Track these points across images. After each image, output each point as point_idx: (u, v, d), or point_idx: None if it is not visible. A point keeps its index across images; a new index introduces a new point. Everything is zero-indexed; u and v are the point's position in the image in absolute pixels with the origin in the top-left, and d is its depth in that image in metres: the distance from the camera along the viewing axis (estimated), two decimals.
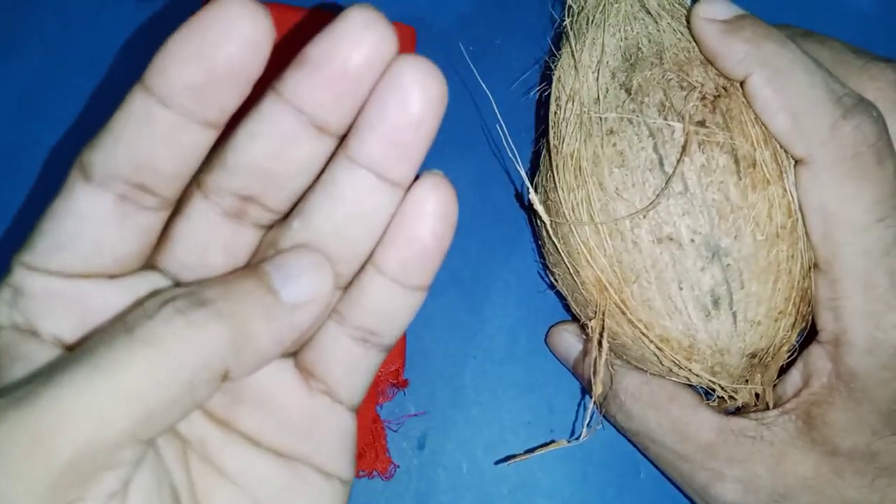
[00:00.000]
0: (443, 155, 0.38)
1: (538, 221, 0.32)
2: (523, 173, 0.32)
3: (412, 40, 0.38)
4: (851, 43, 0.32)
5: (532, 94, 0.38)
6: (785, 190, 0.29)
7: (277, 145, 0.21)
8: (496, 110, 0.33)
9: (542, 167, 0.33)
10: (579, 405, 0.36)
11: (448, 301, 0.37)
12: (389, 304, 0.24)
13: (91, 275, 0.21)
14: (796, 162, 0.29)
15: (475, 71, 0.37)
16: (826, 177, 0.28)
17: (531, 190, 0.31)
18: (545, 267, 0.35)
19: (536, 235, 0.36)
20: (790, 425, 0.29)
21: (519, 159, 0.33)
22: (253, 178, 0.22)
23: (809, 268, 0.29)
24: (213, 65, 0.19)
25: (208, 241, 0.23)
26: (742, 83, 0.29)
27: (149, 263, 0.23)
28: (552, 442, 0.34)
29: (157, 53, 0.20)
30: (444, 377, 0.36)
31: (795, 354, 0.31)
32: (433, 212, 0.22)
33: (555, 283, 0.33)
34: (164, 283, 0.23)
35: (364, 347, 0.24)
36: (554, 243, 0.31)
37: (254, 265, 0.22)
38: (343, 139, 0.22)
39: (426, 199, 0.22)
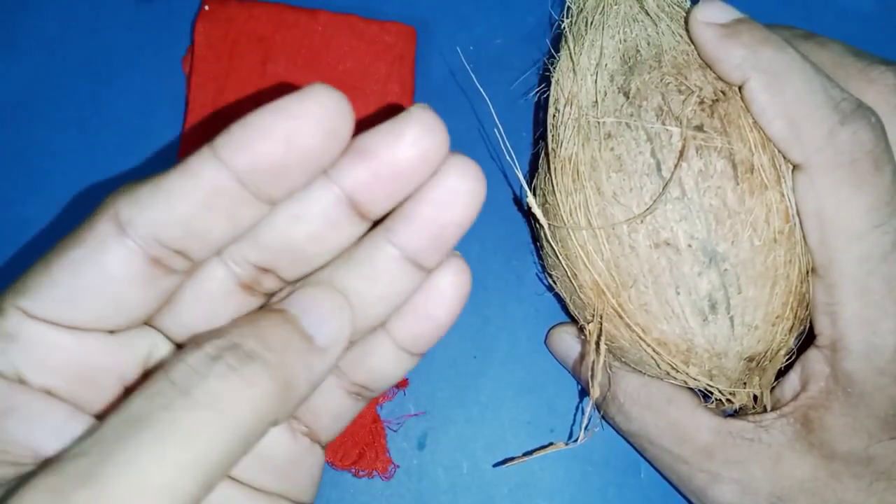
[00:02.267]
0: None
1: (536, 224, 0.32)
2: (521, 176, 0.32)
3: (412, 40, 0.38)
4: (851, 44, 0.32)
5: (532, 94, 0.38)
6: (783, 195, 0.28)
7: (320, 229, 0.22)
8: (493, 113, 0.33)
9: (540, 170, 0.33)
10: (578, 406, 0.36)
11: None
12: (389, 366, 0.25)
13: (96, 329, 0.21)
14: (794, 167, 0.29)
15: (473, 74, 0.37)
16: (823, 182, 0.28)
17: (529, 193, 0.31)
18: (544, 269, 0.35)
19: (535, 238, 0.36)
20: (788, 428, 0.30)
21: (517, 161, 0.33)
22: (282, 254, 0.22)
23: (807, 272, 0.29)
24: (291, 148, 0.19)
25: (219, 309, 0.23)
26: (740, 88, 0.29)
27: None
28: (550, 444, 0.35)
29: (235, 125, 0.19)
30: (444, 377, 0.36)
31: (794, 357, 0.31)
32: (453, 295, 0.24)
33: (553, 285, 0.33)
34: (157, 340, 0.22)
35: (354, 399, 0.26)
36: (552, 246, 0.31)
37: (272, 308, 0.22)
38: (377, 222, 0.22)
39: (450, 283, 0.23)
